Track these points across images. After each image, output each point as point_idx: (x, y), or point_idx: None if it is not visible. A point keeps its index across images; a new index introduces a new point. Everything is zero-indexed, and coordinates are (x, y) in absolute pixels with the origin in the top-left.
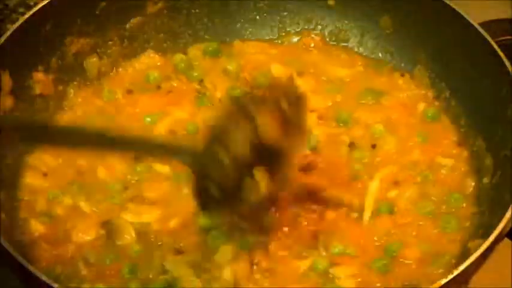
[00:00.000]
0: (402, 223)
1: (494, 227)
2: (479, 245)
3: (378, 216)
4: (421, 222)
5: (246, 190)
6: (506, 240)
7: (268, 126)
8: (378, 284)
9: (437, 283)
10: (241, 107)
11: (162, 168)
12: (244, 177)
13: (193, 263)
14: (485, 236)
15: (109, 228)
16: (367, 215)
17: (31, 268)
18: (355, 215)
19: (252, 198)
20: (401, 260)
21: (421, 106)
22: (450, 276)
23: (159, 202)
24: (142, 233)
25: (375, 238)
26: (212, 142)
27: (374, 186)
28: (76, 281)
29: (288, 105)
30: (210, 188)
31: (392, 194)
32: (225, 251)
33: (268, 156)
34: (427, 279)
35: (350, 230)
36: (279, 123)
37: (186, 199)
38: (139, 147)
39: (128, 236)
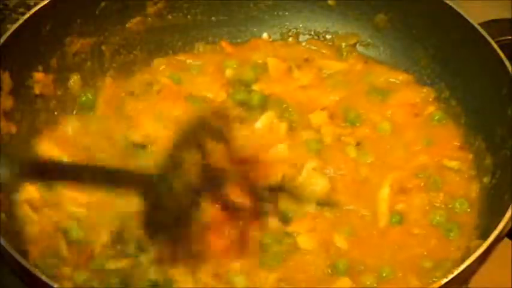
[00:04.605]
0: (413, 234)
1: (494, 227)
2: (479, 245)
3: (389, 227)
4: (429, 231)
5: (193, 217)
6: (506, 240)
7: (216, 152)
8: None
9: (437, 283)
10: (190, 134)
11: None
12: (193, 204)
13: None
14: (485, 236)
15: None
16: (382, 224)
17: (32, 269)
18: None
19: (199, 224)
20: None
21: (430, 109)
22: (450, 276)
23: None
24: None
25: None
26: (165, 170)
27: (385, 193)
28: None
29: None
30: (162, 216)
31: (402, 202)
32: None
33: (215, 180)
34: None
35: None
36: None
37: None
38: (90, 179)
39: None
